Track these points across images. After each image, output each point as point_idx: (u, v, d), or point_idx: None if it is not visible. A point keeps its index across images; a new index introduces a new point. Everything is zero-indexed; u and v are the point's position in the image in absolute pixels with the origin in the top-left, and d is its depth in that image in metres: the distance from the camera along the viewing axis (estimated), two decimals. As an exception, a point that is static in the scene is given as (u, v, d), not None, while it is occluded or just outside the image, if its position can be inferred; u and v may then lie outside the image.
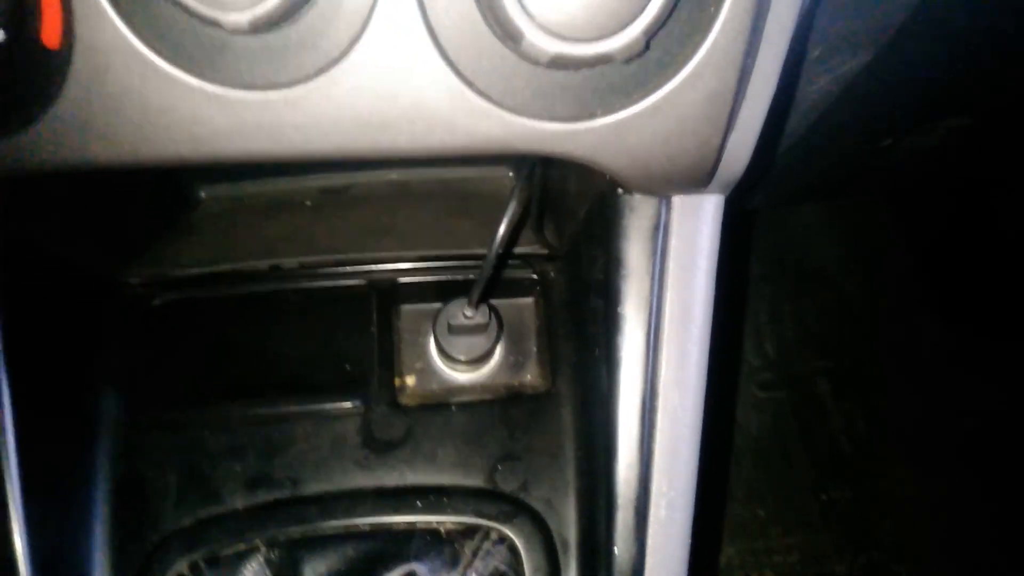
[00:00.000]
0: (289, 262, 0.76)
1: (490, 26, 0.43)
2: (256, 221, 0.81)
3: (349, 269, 0.77)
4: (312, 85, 0.43)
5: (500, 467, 0.69)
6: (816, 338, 2.00)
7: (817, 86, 0.90)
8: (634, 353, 0.60)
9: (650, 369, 0.60)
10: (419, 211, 0.84)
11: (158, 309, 0.72)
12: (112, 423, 0.67)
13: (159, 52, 0.41)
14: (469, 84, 0.45)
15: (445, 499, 0.66)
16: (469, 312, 0.71)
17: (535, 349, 0.76)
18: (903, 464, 1.84)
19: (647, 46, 0.42)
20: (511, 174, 0.87)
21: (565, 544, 0.67)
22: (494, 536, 0.66)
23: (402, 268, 0.78)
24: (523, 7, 0.40)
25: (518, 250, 0.80)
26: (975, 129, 1.22)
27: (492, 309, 0.74)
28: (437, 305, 0.74)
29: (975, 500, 1.79)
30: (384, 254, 0.78)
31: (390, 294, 0.76)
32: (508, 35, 0.42)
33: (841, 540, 1.78)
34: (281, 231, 0.79)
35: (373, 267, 0.77)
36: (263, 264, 0.76)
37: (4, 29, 0.39)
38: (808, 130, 0.96)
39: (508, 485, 0.68)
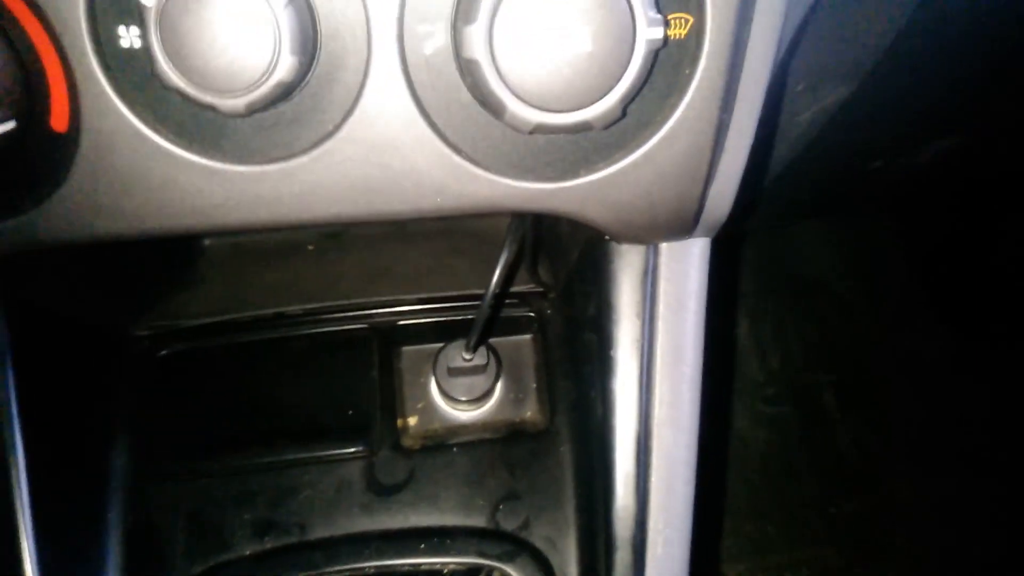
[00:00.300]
0: (292, 309, 0.78)
1: (475, 97, 0.45)
2: (259, 268, 0.83)
3: (350, 314, 0.79)
4: (307, 158, 0.46)
5: (502, 506, 0.70)
6: (820, 351, 2.01)
7: (803, 117, 0.92)
8: (628, 394, 0.62)
9: (644, 410, 0.61)
10: (418, 252, 0.86)
11: (165, 360, 0.74)
12: (122, 473, 0.69)
13: (161, 133, 0.44)
14: (457, 150, 0.47)
15: (448, 540, 0.68)
16: (467, 355, 0.73)
17: (534, 385, 0.78)
18: (911, 475, 1.84)
19: (624, 112, 0.44)
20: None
21: None
22: (496, 575, 0.67)
23: (402, 311, 0.80)
24: (504, 81, 0.42)
25: (514, 289, 0.82)
26: (965, 146, 1.24)
27: (490, 349, 0.76)
28: (438, 345, 0.76)
29: (986, 509, 1.78)
30: (384, 297, 0.80)
31: (391, 336, 0.78)
32: (491, 107, 0.44)
33: (850, 554, 1.77)
34: (284, 277, 0.81)
35: (374, 311, 0.79)
36: (267, 312, 0.78)
37: (16, 119, 0.42)
38: (796, 159, 0.97)
39: (510, 524, 0.70)
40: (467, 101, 0.46)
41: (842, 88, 0.89)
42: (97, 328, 0.72)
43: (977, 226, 2.08)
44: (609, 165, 0.49)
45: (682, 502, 0.62)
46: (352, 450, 0.71)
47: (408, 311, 0.80)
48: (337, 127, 0.45)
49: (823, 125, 0.94)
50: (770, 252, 2.09)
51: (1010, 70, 0.98)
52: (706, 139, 0.49)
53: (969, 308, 2.04)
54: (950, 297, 2.05)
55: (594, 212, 0.51)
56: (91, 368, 0.71)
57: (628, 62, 0.42)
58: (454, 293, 0.81)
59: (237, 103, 0.40)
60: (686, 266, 0.60)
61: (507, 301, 0.81)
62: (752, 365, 1.98)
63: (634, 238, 0.57)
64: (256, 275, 0.82)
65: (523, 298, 0.81)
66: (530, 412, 0.77)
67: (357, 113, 0.45)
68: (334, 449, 0.71)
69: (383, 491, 0.70)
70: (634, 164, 0.49)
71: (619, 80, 0.42)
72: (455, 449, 0.73)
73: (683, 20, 0.45)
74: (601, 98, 0.43)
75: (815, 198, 1.32)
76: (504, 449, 0.73)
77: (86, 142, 0.44)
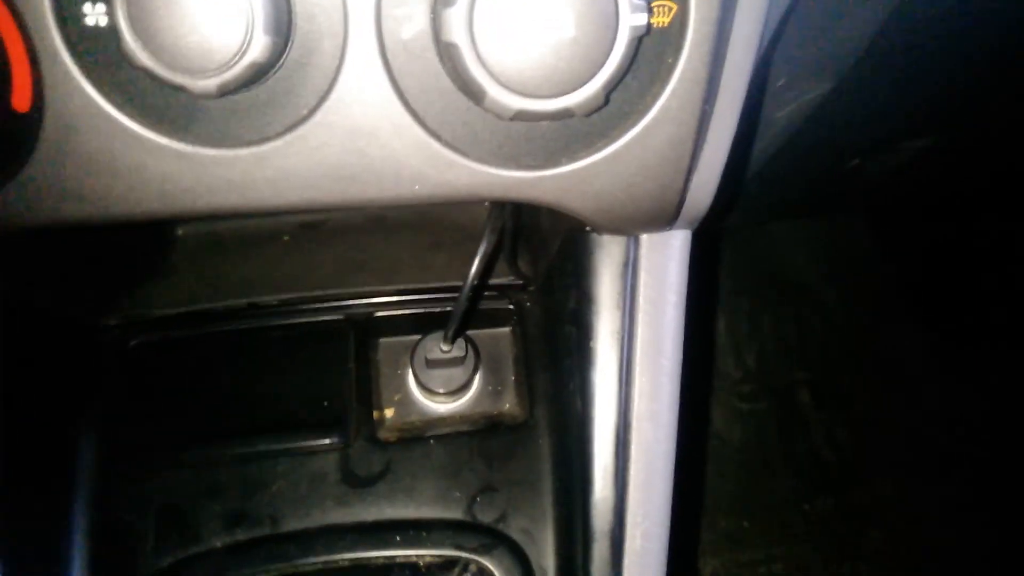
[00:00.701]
0: (267, 299, 0.77)
1: (454, 83, 0.44)
2: (233, 258, 0.81)
3: (326, 305, 0.77)
4: (280, 142, 0.44)
5: (479, 499, 0.70)
6: (796, 349, 2.02)
7: (783, 113, 0.93)
8: (607, 387, 0.61)
9: (623, 402, 0.61)
10: (395, 244, 0.85)
11: (135, 350, 0.72)
12: (90, 466, 0.67)
13: (128, 114, 0.42)
14: (436, 137, 0.46)
15: (424, 533, 0.67)
16: (445, 347, 0.72)
17: (513, 378, 0.77)
18: (885, 472, 1.86)
19: (607, 100, 0.44)
20: (487, 203, 0.89)
21: (544, 574, 0.68)
22: (473, 568, 0.66)
23: (379, 302, 0.79)
24: (485, 66, 0.41)
25: (493, 281, 0.81)
26: (943, 146, 1.25)
27: (469, 341, 0.75)
28: (416, 337, 0.75)
29: (958, 507, 1.81)
30: (361, 289, 0.79)
31: (368, 328, 0.77)
32: (471, 93, 0.43)
33: (825, 550, 1.79)
34: (258, 268, 0.80)
35: (351, 302, 0.78)
36: (241, 302, 0.76)
37: (-26, 97, 0.40)
38: (776, 155, 0.98)
39: (487, 516, 0.69)
40: (446, 86, 0.45)
41: (822, 85, 0.89)
42: (65, 317, 0.70)
43: (956, 227, 2.10)
44: (591, 154, 0.48)
45: (661, 495, 0.61)
46: (327, 442, 0.70)
47: (385, 302, 0.79)
48: (312, 111, 0.44)
49: (802, 122, 0.95)
50: (748, 250, 2.10)
51: (988, 72, 0.99)
52: (688, 130, 0.49)
53: (947, 309, 2.06)
54: (928, 297, 2.08)
55: (575, 202, 0.50)
56: (59, 358, 0.69)
57: (611, 48, 0.42)
58: (432, 285, 0.80)
59: (208, 84, 0.39)
60: (666, 259, 0.60)
61: (486, 294, 0.80)
62: (729, 362, 1.99)
63: (615, 229, 0.57)
64: (230, 264, 0.80)
65: (502, 290, 0.81)
66: (508, 405, 0.76)
67: (332, 98, 0.44)
68: (308, 441, 0.70)
69: (358, 483, 0.69)
70: (616, 153, 0.48)
71: (602, 66, 0.42)
72: (432, 441, 0.72)
73: (667, 8, 0.45)
74: (583, 84, 0.42)
75: (793, 196, 1.33)
76: (482, 442, 0.72)
77: (50, 123, 0.42)
